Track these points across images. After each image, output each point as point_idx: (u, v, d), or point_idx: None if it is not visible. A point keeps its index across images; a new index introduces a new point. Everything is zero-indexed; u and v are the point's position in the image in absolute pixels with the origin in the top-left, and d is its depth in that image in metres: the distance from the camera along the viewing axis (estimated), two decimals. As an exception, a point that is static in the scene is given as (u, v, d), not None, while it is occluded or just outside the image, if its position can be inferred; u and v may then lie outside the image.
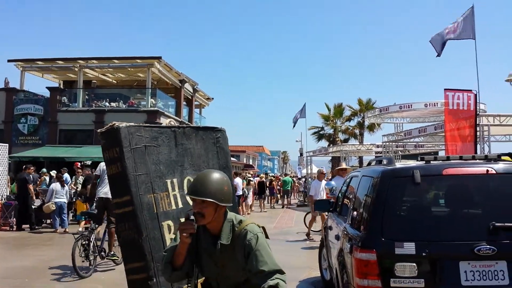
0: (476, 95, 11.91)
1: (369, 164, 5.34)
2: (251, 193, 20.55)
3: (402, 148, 22.73)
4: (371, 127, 36.04)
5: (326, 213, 9.27)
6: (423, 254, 3.30)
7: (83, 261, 7.38)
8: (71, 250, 7.26)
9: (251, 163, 63.14)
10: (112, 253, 7.87)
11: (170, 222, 3.45)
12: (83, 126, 24.04)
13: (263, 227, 2.62)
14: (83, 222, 12.45)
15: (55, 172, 15.71)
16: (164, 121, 23.79)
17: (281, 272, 2.42)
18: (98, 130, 3.46)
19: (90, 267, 7.46)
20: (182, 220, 3.48)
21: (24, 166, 14.17)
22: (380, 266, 3.34)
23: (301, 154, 38.00)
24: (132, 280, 3.29)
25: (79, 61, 25.40)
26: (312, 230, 13.01)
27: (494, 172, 3.62)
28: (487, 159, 4.01)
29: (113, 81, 29.29)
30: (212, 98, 37.09)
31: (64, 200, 12.78)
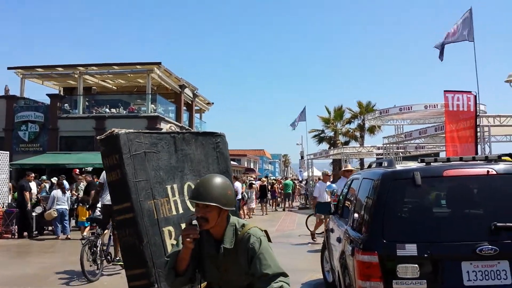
0: (475, 96, 11.91)
1: (369, 166, 5.34)
2: (254, 196, 20.55)
3: (403, 150, 22.72)
4: (372, 129, 36.00)
5: (323, 216, 9.27)
6: (425, 255, 3.30)
7: (90, 266, 7.56)
8: (73, 256, 7.43)
9: (252, 167, 63.11)
10: (117, 258, 8.00)
11: (171, 228, 3.44)
12: (84, 133, 24.06)
13: (265, 231, 2.62)
14: (87, 228, 12.50)
15: (56, 179, 15.72)
16: (164, 127, 23.82)
17: (284, 275, 2.42)
18: (98, 137, 3.47)
19: (97, 271, 7.66)
20: (183, 225, 3.48)
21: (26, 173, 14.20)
22: (382, 268, 3.34)
23: (302, 157, 38.02)
24: (134, 286, 3.28)
25: (79, 67, 25.46)
26: (315, 233, 13.01)
27: (495, 172, 3.62)
28: (488, 160, 4.02)
29: (113, 87, 29.34)
30: (212, 103, 37.14)
31: (65, 206, 12.79)
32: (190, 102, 31.80)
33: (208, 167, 3.94)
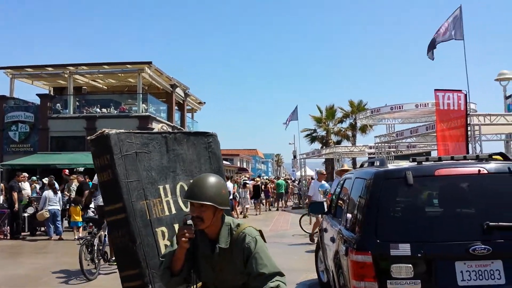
0: (466, 95, 11.96)
1: (361, 165, 5.35)
2: (248, 196, 20.54)
3: (395, 149, 22.81)
4: (363, 129, 36.12)
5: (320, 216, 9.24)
6: (419, 255, 3.30)
7: (88, 265, 7.65)
8: (66, 257, 7.51)
9: (244, 166, 63.10)
10: (114, 258, 7.99)
11: (163, 228, 3.42)
12: (75, 133, 23.91)
13: (260, 231, 2.62)
14: (80, 228, 12.51)
15: (47, 179, 15.61)
16: (156, 126, 23.72)
17: (281, 274, 2.43)
18: (88, 138, 3.44)
19: (95, 270, 7.78)
20: (176, 226, 3.47)
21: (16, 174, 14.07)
22: (376, 268, 3.34)
23: (295, 157, 38.05)
24: (128, 287, 3.26)
25: (69, 67, 25.29)
26: (308, 232, 13.00)
27: (486, 172, 3.63)
28: (479, 159, 4.03)
29: (104, 87, 29.18)
30: (204, 103, 37.10)
31: (57, 207, 12.70)
32: (181, 102, 31.71)
33: (200, 167, 3.92)
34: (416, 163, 4.00)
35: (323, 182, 11.76)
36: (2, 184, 15.00)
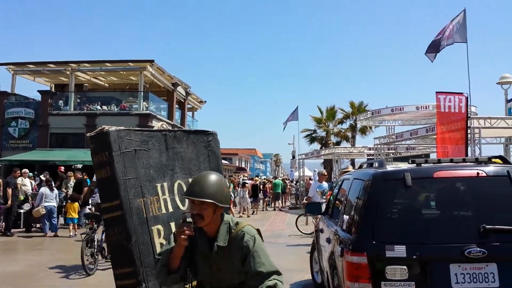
0: (467, 98, 11.97)
1: (360, 167, 5.35)
2: (247, 196, 20.51)
3: (394, 151, 22.80)
4: (363, 130, 36.12)
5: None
6: (414, 257, 3.30)
7: (87, 260, 7.83)
8: (62, 253, 7.52)
9: (243, 166, 63.09)
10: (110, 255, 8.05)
11: (160, 227, 3.41)
12: (75, 130, 23.88)
13: (258, 230, 2.62)
14: (75, 225, 12.51)
15: (44, 175, 15.65)
16: (156, 124, 23.70)
17: (278, 273, 2.43)
18: (88, 134, 3.43)
19: (93, 265, 7.96)
20: (172, 224, 3.47)
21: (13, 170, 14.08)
22: (371, 269, 3.34)
23: (294, 157, 38.01)
24: (122, 285, 3.25)
25: (71, 64, 25.27)
26: (304, 233, 13.01)
27: (485, 174, 3.64)
28: (478, 162, 4.04)
29: (105, 84, 29.16)
30: (205, 102, 37.07)
31: (54, 204, 12.67)
32: (182, 100, 31.69)
33: (199, 165, 3.91)
34: (415, 165, 4.01)
35: (324, 183, 11.74)
36: (0, 180, 14.99)
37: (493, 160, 4.00)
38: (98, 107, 24.99)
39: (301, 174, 30.08)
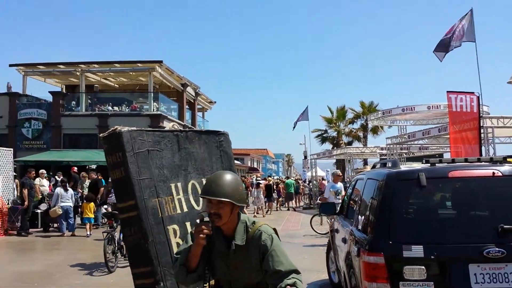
0: (478, 97, 11.86)
1: (373, 167, 5.31)
2: (262, 196, 20.49)
3: (407, 151, 22.66)
4: (375, 130, 35.97)
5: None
6: (432, 257, 3.28)
7: (108, 257, 8.05)
8: (79, 253, 8.23)
9: (255, 166, 63.12)
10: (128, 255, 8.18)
11: (175, 226, 3.42)
12: (87, 130, 24.04)
13: (274, 229, 2.62)
14: (88, 225, 12.68)
15: (59, 176, 15.83)
16: (167, 125, 23.80)
17: (297, 272, 2.41)
18: (100, 135, 3.44)
19: (113, 263, 8.18)
20: (188, 224, 3.47)
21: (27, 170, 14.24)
22: (388, 269, 3.32)
23: (305, 157, 37.95)
24: (140, 284, 3.26)
25: (81, 65, 25.43)
26: (319, 233, 12.96)
27: (501, 174, 3.60)
28: (493, 161, 3.99)
29: (115, 85, 29.33)
30: (215, 102, 37.13)
31: (70, 204, 12.84)
32: (192, 101, 31.78)
33: (211, 165, 3.91)
34: (429, 164, 3.97)
35: (339, 183, 11.66)
36: (17, 180, 15.17)
37: (508, 159, 3.95)
38: (110, 107, 25.15)
39: (314, 174, 29.99)
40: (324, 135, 38.69)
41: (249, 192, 21.91)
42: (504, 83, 17.86)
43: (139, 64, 25.21)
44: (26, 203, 12.76)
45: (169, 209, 3.42)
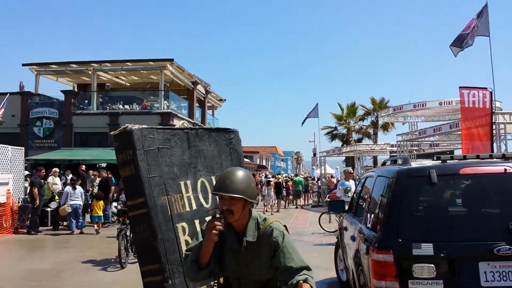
0: (491, 93, 11.74)
1: (383, 164, 5.29)
2: (272, 193, 20.48)
3: (417, 148, 22.49)
4: (385, 127, 35.73)
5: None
6: (441, 254, 3.25)
7: (120, 255, 8.25)
8: (89, 251, 8.37)
9: (264, 164, 63.11)
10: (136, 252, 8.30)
11: (184, 224, 3.43)
12: (98, 129, 24.21)
13: (285, 226, 2.62)
14: (96, 223, 12.80)
15: (67, 174, 16.00)
16: (177, 123, 23.88)
17: (308, 268, 2.41)
18: (111, 133, 3.46)
19: (125, 259, 8.37)
20: (197, 222, 3.48)
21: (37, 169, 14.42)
22: (397, 267, 3.30)
23: (315, 155, 37.87)
24: (148, 282, 3.28)
25: (93, 64, 25.63)
26: (327, 231, 12.92)
27: None
28: (505, 158, 3.95)
29: (127, 83, 29.50)
30: (225, 100, 37.16)
31: (79, 202, 12.95)
32: (202, 99, 31.83)
33: (221, 163, 3.91)
34: (440, 161, 3.94)
35: (350, 180, 11.60)
36: (28, 179, 15.35)
37: (521, 156, 3.91)
38: (121, 106, 25.30)
39: (323, 171, 29.91)
40: (334, 132, 38.54)
41: (258, 190, 21.92)
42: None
43: (150, 63, 25.34)
44: (37, 202, 12.87)
45: (178, 206, 3.43)
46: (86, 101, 26.13)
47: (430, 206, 3.68)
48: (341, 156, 34.01)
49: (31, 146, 24.18)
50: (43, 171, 14.05)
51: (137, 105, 25.67)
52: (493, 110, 11.87)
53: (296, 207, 24.28)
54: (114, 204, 14.04)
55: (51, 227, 13.64)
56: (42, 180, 13.88)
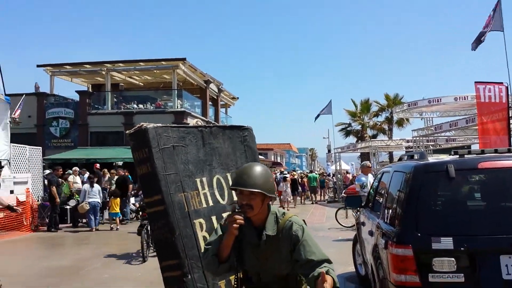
0: (507, 87, 11.60)
1: (400, 159, 5.25)
2: (289, 190, 20.50)
3: (433, 143, 22.27)
4: (400, 122, 35.45)
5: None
6: (462, 248, 3.23)
7: (143, 249, 8.49)
8: (106, 247, 8.67)
9: (279, 160, 63.04)
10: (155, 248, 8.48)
11: (201, 220, 3.46)
12: (113, 128, 24.44)
13: (304, 220, 2.62)
14: (113, 219, 13.14)
15: (83, 173, 16.21)
16: (191, 122, 23.99)
17: (329, 261, 2.40)
18: (127, 132, 3.50)
19: (145, 254, 8.54)
20: (214, 218, 3.51)
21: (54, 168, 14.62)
22: (417, 261, 3.29)
23: (329, 151, 37.71)
24: (168, 277, 3.32)
25: (106, 64, 25.85)
26: (344, 226, 12.88)
27: None
28: None
29: (140, 83, 29.71)
30: (238, 98, 37.18)
31: (97, 199, 13.13)
32: (215, 97, 31.92)
33: (236, 160, 3.93)
34: (458, 156, 3.90)
35: (369, 175, 11.47)
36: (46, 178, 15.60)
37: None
38: (135, 105, 25.50)
39: (338, 167, 29.79)
40: (348, 129, 38.36)
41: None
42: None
43: (163, 62, 25.48)
44: (57, 200, 13.07)
45: (195, 203, 3.46)
46: (101, 101, 26.38)
47: (449, 200, 3.65)
48: (356, 152, 33.80)
49: (48, 146, 24.49)
50: (60, 170, 14.26)
51: (151, 104, 25.84)
52: (510, 105, 11.72)
53: (312, 203, 24.25)
54: (132, 201, 14.23)
55: (71, 225, 13.89)
56: (60, 179, 14.09)
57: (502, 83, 11.73)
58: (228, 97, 35.35)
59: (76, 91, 26.12)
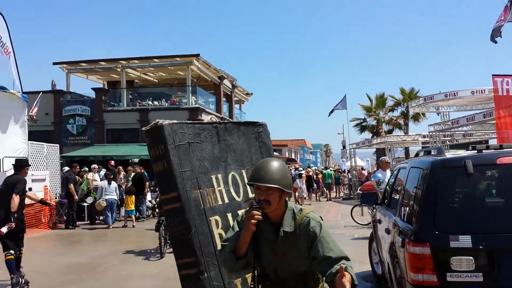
0: (526, 80, 11.38)
1: (416, 155, 5.18)
2: (304, 186, 20.46)
3: (450, 138, 21.98)
4: (416, 117, 35.02)
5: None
6: (480, 247, 3.17)
7: (161, 245, 8.65)
8: (123, 244, 8.81)
9: (293, 157, 62.93)
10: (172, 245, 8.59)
11: (217, 217, 3.45)
12: (129, 125, 24.65)
13: (320, 217, 2.60)
14: (129, 217, 13.31)
15: (104, 171, 16.36)
16: (205, 118, 24.06)
17: (347, 258, 2.37)
18: (143, 128, 3.51)
19: (163, 250, 8.67)
20: (229, 215, 3.51)
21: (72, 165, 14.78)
22: (434, 260, 3.24)
23: (344, 147, 37.46)
24: (184, 275, 3.32)
25: (121, 61, 26.05)
26: (360, 223, 12.77)
27: None
28: None
29: (155, 80, 29.88)
30: (251, 94, 37.17)
31: (114, 197, 13.25)
32: (229, 93, 31.96)
33: (251, 157, 3.92)
34: (476, 151, 3.83)
35: (387, 171, 11.32)
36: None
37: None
38: (150, 102, 25.66)
39: (353, 164, 29.56)
40: (363, 124, 38.01)
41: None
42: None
43: (177, 59, 25.61)
44: (75, 197, 13.23)
45: (210, 200, 3.46)
46: (116, 98, 26.60)
47: (467, 197, 3.59)
48: (371, 148, 33.51)
49: (65, 143, 24.80)
50: (78, 167, 14.41)
51: (166, 101, 25.97)
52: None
53: (327, 200, 24.14)
54: (149, 197, 14.35)
55: (88, 222, 14.06)
56: (77, 176, 14.24)
57: (520, 75, 11.53)
58: (242, 93, 35.36)
59: (92, 88, 26.40)
